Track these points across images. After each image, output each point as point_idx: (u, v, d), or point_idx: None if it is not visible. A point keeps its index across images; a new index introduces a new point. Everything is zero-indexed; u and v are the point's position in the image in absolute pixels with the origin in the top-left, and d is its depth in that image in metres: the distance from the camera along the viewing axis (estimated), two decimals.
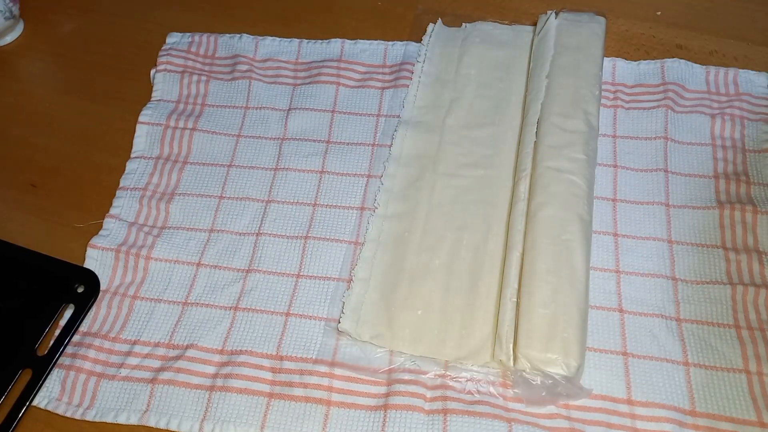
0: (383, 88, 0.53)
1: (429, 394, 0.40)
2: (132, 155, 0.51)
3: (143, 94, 0.54)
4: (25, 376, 0.40)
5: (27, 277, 0.44)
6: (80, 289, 0.43)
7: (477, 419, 0.38)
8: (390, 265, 0.44)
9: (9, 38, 0.58)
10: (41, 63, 0.58)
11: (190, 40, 0.56)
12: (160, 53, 0.56)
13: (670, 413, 0.38)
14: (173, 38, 0.57)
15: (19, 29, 0.59)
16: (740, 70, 0.51)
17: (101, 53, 0.58)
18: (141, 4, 0.60)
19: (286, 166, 0.49)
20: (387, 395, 0.39)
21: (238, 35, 0.56)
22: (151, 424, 0.39)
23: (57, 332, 0.42)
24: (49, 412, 0.40)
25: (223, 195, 0.48)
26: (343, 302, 0.43)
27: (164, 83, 0.54)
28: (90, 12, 0.61)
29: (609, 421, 0.38)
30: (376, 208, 0.47)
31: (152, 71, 0.55)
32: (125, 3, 0.61)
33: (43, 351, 0.41)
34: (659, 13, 0.56)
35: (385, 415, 0.38)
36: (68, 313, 0.43)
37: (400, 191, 0.47)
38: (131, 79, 0.55)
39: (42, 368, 0.40)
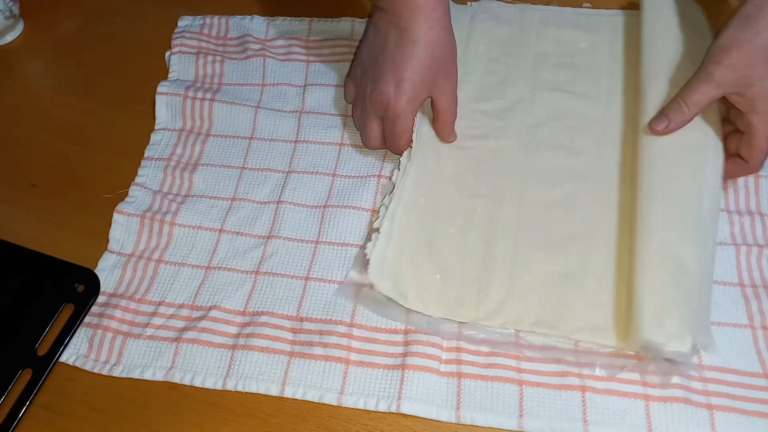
0: None
1: (444, 356, 0.41)
2: (156, 127, 0.52)
3: (144, 93, 0.54)
4: (25, 376, 0.40)
5: (27, 277, 0.44)
6: (80, 289, 0.44)
7: (489, 383, 0.39)
8: (408, 227, 0.45)
9: (9, 38, 0.58)
10: (41, 63, 0.58)
11: (201, 22, 0.58)
12: (174, 36, 0.57)
13: (679, 366, 0.39)
14: (185, 21, 0.58)
15: (19, 29, 0.59)
16: None
17: (101, 53, 0.58)
18: (141, 3, 0.61)
19: (306, 139, 0.51)
20: (404, 355, 0.40)
21: (249, 16, 0.58)
22: (176, 380, 0.40)
23: (57, 332, 0.42)
24: (49, 410, 0.40)
25: (245, 166, 0.50)
26: (366, 253, 0.43)
27: (180, 64, 0.55)
28: (90, 12, 0.61)
29: (619, 376, 0.39)
30: (396, 172, 0.47)
31: (167, 54, 0.56)
32: (125, 3, 0.61)
33: (43, 351, 0.41)
34: None
35: (402, 375, 0.40)
36: (68, 313, 0.43)
37: (416, 161, 0.48)
38: (131, 79, 0.55)
39: (42, 368, 0.40)
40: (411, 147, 0.46)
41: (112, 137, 0.52)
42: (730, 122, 0.45)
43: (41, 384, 0.40)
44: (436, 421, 0.39)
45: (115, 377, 0.41)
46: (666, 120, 0.44)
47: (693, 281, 0.40)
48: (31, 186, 0.50)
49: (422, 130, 0.48)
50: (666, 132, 0.44)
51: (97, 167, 0.51)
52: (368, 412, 0.39)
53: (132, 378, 0.41)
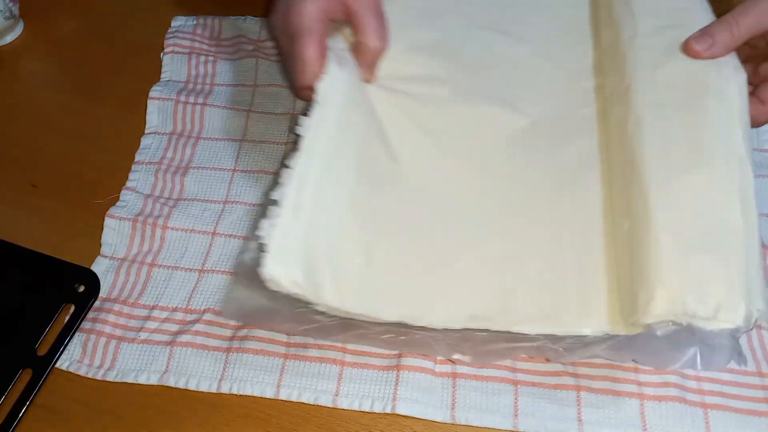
0: None
1: (440, 355, 0.40)
2: (146, 131, 0.52)
3: (144, 94, 0.54)
4: (25, 376, 0.40)
5: (27, 277, 0.44)
6: (80, 289, 0.43)
7: (484, 383, 0.39)
8: (324, 193, 0.36)
9: (9, 38, 0.58)
10: (41, 63, 0.58)
11: (194, 22, 0.58)
12: (167, 36, 0.57)
13: None
14: (178, 21, 0.58)
15: (19, 29, 0.59)
16: None
17: (101, 53, 0.58)
18: (141, 3, 0.61)
19: None
20: (399, 356, 0.40)
21: (243, 17, 0.58)
22: (171, 384, 0.40)
23: (57, 332, 0.42)
24: (50, 411, 0.40)
25: (236, 168, 0.50)
26: (259, 236, 0.33)
27: (172, 64, 0.55)
28: (90, 12, 0.61)
29: (614, 375, 0.39)
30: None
31: (161, 54, 0.56)
32: (125, 2, 0.61)
33: (43, 351, 0.41)
34: None
35: (397, 375, 0.40)
36: (68, 313, 0.43)
37: (333, 107, 0.39)
38: (132, 79, 0.55)
39: (42, 368, 0.40)
40: (319, 83, 0.38)
41: (112, 137, 0.52)
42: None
43: (41, 384, 0.40)
44: (435, 421, 0.39)
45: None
46: (709, 40, 0.37)
47: (735, 231, 0.32)
48: (31, 186, 0.50)
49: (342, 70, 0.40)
50: (707, 55, 0.37)
51: (98, 167, 0.51)
52: (368, 412, 0.39)
53: (126, 382, 0.40)
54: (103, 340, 0.42)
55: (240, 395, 0.40)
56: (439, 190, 0.40)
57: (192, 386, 0.40)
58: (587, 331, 0.36)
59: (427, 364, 0.40)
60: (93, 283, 0.44)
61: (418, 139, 0.41)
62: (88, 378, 0.41)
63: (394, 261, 0.37)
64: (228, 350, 0.41)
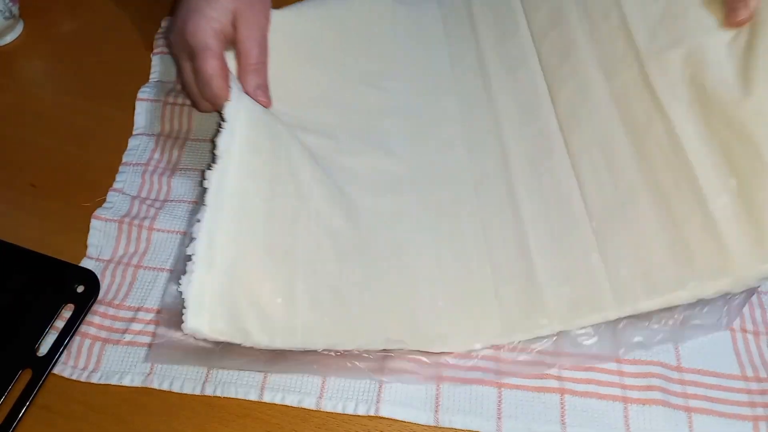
0: None
1: (425, 358, 0.40)
2: (134, 132, 0.52)
3: None
4: (25, 376, 0.40)
5: (27, 277, 0.44)
6: (80, 289, 0.43)
7: (468, 386, 0.40)
8: (237, 236, 0.38)
9: (9, 38, 0.58)
10: (41, 63, 0.58)
11: None
12: (156, 36, 0.57)
13: (657, 369, 0.39)
14: (167, 22, 0.58)
15: (19, 29, 0.59)
16: None
17: (101, 53, 0.58)
18: (141, 3, 0.61)
19: None
20: (384, 358, 0.40)
21: None
22: (155, 386, 0.40)
23: (57, 332, 0.42)
24: (50, 411, 0.40)
25: None
26: (180, 291, 0.36)
27: (162, 65, 0.55)
28: (90, 12, 0.61)
29: (598, 379, 0.39)
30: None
31: (151, 54, 0.56)
32: (125, 3, 0.61)
33: (43, 351, 0.41)
34: None
35: (381, 380, 0.40)
36: (68, 313, 0.43)
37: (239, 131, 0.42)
38: (131, 80, 0.55)
39: (42, 368, 0.40)
40: (228, 103, 0.41)
41: (112, 137, 0.52)
42: None
43: (41, 384, 0.40)
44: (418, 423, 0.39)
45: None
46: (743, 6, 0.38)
47: None
48: (31, 186, 0.50)
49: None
50: (748, 20, 0.38)
51: (98, 167, 0.51)
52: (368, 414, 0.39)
53: (110, 385, 0.40)
54: (87, 341, 0.42)
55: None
56: (347, 223, 0.42)
57: (176, 388, 0.40)
58: (477, 346, 0.40)
59: (412, 366, 0.40)
60: (93, 283, 0.44)
61: (321, 174, 0.44)
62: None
63: (314, 295, 0.39)
64: (212, 351, 0.41)
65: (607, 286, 0.39)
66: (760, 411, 0.38)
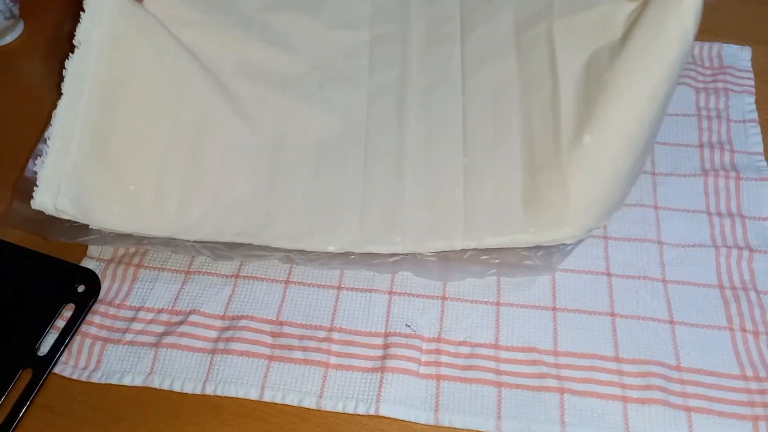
0: None
1: (423, 358, 0.41)
2: None
3: None
4: (25, 376, 0.40)
5: (27, 277, 0.44)
6: (80, 289, 0.43)
7: (468, 385, 0.40)
8: (91, 122, 0.39)
9: (9, 38, 0.58)
10: (41, 63, 0.58)
11: None
12: None
13: (657, 368, 0.39)
14: None
15: (19, 29, 0.59)
16: (724, 45, 0.53)
17: None
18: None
19: None
20: (383, 357, 0.41)
21: None
22: (155, 385, 0.40)
23: (57, 332, 0.42)
24: (50, 411, 0.40)
25: None
26: (36, 171, 0.37)
27: None
28: None
29: (598, 378, 0.39)
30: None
31: None
32: None
33: (43, 351, 0.41)
34: None
35: (381, 377, 0.40)
36: (69, 312, 0.43)
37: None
38: None
39: (42, 368, 0.40)
40: None
41: None
42: None
43: (41, 384, 0.40)
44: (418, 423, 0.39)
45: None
46: None
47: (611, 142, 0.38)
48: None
49: None
50: None
51: None
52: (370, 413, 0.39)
53: (110, 384, 0.41)
54: (88, 341, 0.42)
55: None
56: (227, 118, 0.43)
57: (176, 388, 0.40)
58: (331, 248, 0.41)
59: (411, 365, 0.40)
60: (93, 283, 0.44)
61: (198, 67, 0.44)
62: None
63: (170, 185, 0.41)
64: (213, 351, 0.41)
65: (461, 219, 0.41)
66: (759, 411, 0.38)
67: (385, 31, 0.49)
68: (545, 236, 0.39)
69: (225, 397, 0.40)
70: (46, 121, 0.52)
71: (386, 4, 0.50)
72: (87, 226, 0.40)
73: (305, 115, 0.45)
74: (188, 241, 0.42)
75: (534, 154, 0.41)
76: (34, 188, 0.37)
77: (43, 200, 0.37)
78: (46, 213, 0.38)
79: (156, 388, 0.40)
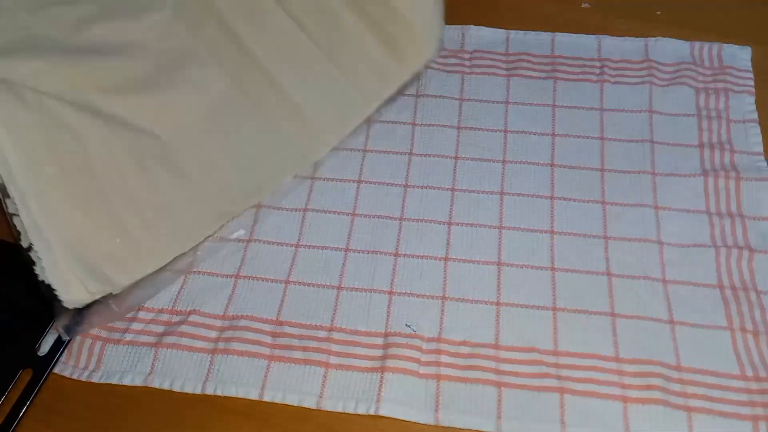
0: None
1: (424, 357, 0.41)
2: None
3: None
4: (25, 376, 0.40)
5: (27, 276, 0.43)
6: None
7: (468, 385, 0.40)
8: (54, 207, 0.39)
9: None
10: None
11: None
12: None
13: (657, 368, 0.39)
14: None
15: None
16: (724, 45, 0.53)
17: None
18: None
19: None
20: (383, 357, 0.41)
21: None
22: (155, 385, 0.40)
23: (57, 332, 0.41)
24: (50, 411, 0.40)
25: None
26: (43, 278, 0.39)
27: None
28: None
29: (598, 378, 0.39)
30: None
31: None
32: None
33: (43, 351, 0.41)
34: (659, 12, 0.56)
35: (382, 377, 0.40)
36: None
37: None
38: None
39: (42, 368, 0.40)
40: None
41: None
42: None
43: (41, 384, 0.40)
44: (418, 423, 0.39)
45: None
46: None
47: None
48: None
49: None
50: None
51: None
52: (369, 413, 0.39)
53: (111, 384, 0.41)
54: (88, 341, 0.42)
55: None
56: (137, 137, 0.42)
57: (176, 388, 0.40)
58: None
59: (412, 365, 0.40)
60: None
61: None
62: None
63: (141, 217, 0.41)
64: (213, 351, 0.41)
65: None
66: (759, 411, 0.38)
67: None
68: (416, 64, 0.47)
69: (225, 397, 0.40)
70: None
71: None
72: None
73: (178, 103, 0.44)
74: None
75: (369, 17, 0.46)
76: (54, 292, 0.39)
77: (73, 297, 0.39)
78: (84, 303, 0.40)
79: (156, 389, 0.40)
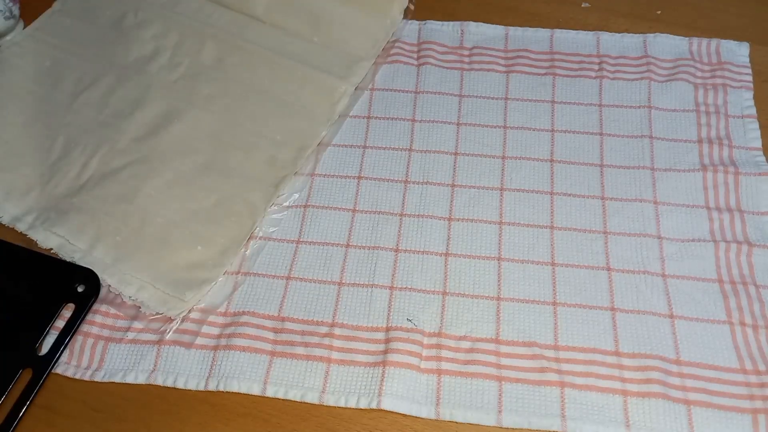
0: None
1: (425, 352, 0.41)
2: None
3: None
4: (25, 376, 0.40)
5: (27, 277, 0.44)
6: (80, 289, 0.43)
7: (469, 380, 0.40)
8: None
9: (9, 38, 0.57)
10: None
11: None
12: None
13: (657, 362, 0.40)
14: None
15: (19, 29, 0.58)
16: (722, 41, 0.53)
17: None
18: None
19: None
20: (385, 352, 0.41)
21: None
22: (159, 383, 0.40)
23: (58, 332, 0.42)
24: (49, 410, 0.40)
25: None
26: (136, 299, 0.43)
27: None
28: None
29: (598, 372, 0.40)
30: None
31: None
32: None
33: (43, 351, 0.41)
34: (659, 12, 0.56)
35: (383, 372, 0.40)
36: (69, 312, 0.43)
37: None
38: None
39: (42, 368, 0.41)
40: None
41: None
42: None
43: (41, 384, 0.40)
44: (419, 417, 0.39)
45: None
46: None
47: None
48: None
49: None
50: None
51: None
52: (369, 411, 0.39)
53: (114, 382, 0.41)
54: (90, 341, 0.42)
55: (242, 394, 0.40)
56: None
57: (180, 384, 0.40)
58: None
59: (413, 360, 0.40)
60: (93, 282, 0.44)
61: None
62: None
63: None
64: (215, 348, 0.41)
65: None
66: (758, 404, 0.38)
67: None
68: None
69: (225, 396, 0.40)
70: None
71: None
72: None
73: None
74: None
75: None
76: (156, 309, 0.43)
77: (176, 309, 0.43)
78: (184, 313, 0.43)
79: (156, 388, 0.40)
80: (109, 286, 0.44)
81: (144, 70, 0.53)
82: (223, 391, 0.40)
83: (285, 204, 0.48)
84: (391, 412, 0.39)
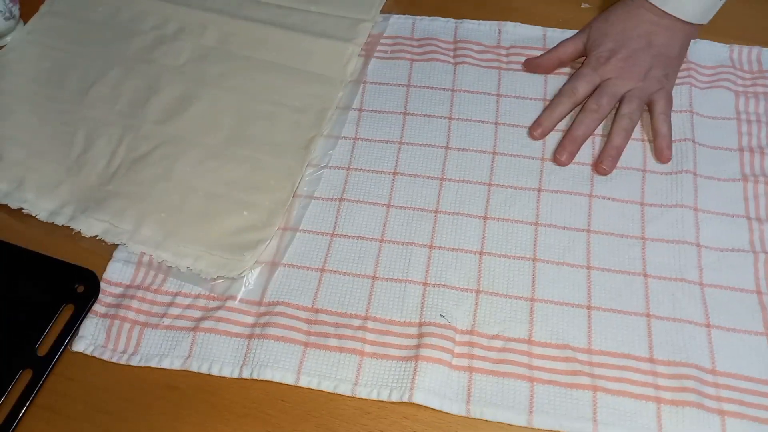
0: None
1: (457, 349, 0.41)
2: None
3: None
4: (25, 376, 0.40)
5: (27, 277, 0.44)
6: (80, 289, 0.43)
7: (501, 379, 0.40)
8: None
9: (9, 38, 0.57)
10: None
11: None
12: None
13: (692, 371, 0.39)
14: None
15: (19, 29, 0.58)
16: (763, 49, 0.52)
17: None
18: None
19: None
20: (417, 347, 0.41)
21: None
22: (194, 369, 0.41)
23: (57, 332, 0.42)
24: (50, 411, 0.40)
25: None
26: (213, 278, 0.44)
27: None
28: None
29: (631, 378, 0.40)
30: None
31: None
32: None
33: (43, 351, 0.41)
34: None
35: (415, 366, 0.40)
36: (68, 313, 0.43)
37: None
38: None
39: (42, 368, 0.40)
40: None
41: None
42: None
43: (41, 384, 0.40)
44: (439, 418, 0.39)
45: (116, 376, 0.41)
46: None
47: None
48: None
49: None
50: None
51: None
52: (368, 412, 0.39)
53: (133, 377, 0.41)
54: (127, 325, 0.43)
55: (243, 393, 0.40)
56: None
57: (215, 371, 0.41)
58: None
59: (445, 356, 0.40)
60: (93, 283, 0.44)
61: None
62: (89, 376, 0.41)
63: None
64: (250, 336, 0.42)
65: None
66: None
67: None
68: None
69: (225, 396, 0.40)
70: None
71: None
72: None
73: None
74: None
75: None
76: (217, 276, 0.44)
77: (240, 266, 0.44)
78: (244, 274, 0.45)
79: (156, 388, 0.40)
80: (164, 261, 0.45)
81: (149, 59, 0.55)
82: (223, 391, 0.40)
83: (321, 165, 0.49)
84: (392, 412, 0.39)
